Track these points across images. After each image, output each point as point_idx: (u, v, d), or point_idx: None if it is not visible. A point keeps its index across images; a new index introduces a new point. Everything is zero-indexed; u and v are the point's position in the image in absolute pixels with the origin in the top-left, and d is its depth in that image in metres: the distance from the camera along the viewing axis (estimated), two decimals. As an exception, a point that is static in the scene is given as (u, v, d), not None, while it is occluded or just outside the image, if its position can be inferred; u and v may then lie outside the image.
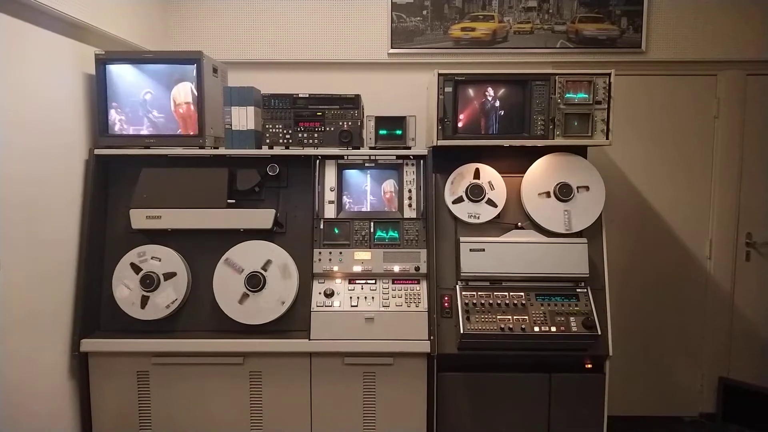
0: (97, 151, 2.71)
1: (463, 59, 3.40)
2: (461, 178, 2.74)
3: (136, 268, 2.65)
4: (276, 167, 2.74)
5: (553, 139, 2.67)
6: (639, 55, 3.40)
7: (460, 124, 2.69)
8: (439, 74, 2.66)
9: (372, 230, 2.70)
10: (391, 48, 3.41)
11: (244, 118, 2.78)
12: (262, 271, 2.65)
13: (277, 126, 2.77)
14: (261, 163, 2.75)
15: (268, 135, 2.77)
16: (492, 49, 3.41)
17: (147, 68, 2.72)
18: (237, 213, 2.70)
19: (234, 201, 2.71)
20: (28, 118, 2.34)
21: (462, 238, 2.66)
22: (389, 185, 2.77)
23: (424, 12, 3.39)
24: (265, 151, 2.77)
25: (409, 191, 2.74)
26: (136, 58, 2.73)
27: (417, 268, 2.65)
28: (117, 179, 2.80)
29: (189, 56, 2.72)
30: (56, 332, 2.52)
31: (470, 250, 2.64)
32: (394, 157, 2.77)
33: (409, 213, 2.72)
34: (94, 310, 2.69)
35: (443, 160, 2.74)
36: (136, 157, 2.75)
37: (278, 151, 2.77)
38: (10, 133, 2.23)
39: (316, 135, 2.76)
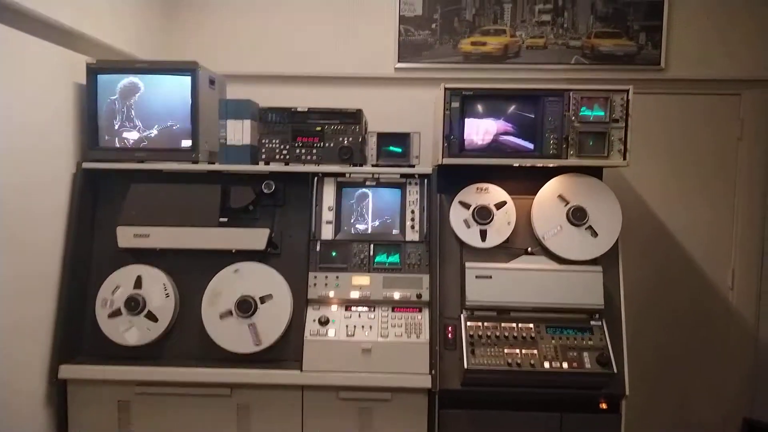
0: (85, 165, 2.57)
1: (473, 74, 3.25)
2: (468, 199, 2.57)
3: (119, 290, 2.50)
4: (272, 184, 2.59)
5: (567, 158, 2.50)
6: (658, 72, 3.23)
7: (466, 142, 2.53)
8: (446, 88, 2.51)
9: (372, 253, 2.53)
10: (398, 62, 3.27)
11: (239, 132, 2.64)
12: (254, 296, 2.48)
13: (274, 141, 2.62)
14: (256, 180, 2.60)
15: (264, 150, 2.62)
16: (503, 64, 3.26)
17: (141, 79, 2.60)
18: (229, 232, 2.54)
19: (227, 219, 2.56)
20: (14, 128, 2.21)
21: (468, 264, 2.48)
22: (391, 205, 2.61)
23: (433, 25, 3.26)
24: (261, 167, 2.62)
25: (412, 212, 2.57)
26: (129, 67, 2.61)
27: (419, 295, 2.47)
28: (106, 194, 2.66)
29: (184, 66, 2.59)
30: (34, 355, 2.36)
31: (476, 276, 2.46)
32: (398, 176, 2.61)
33: (412, 235, 2.55)
34: (76, 333, 2.53)
35: (449, 180, 2.58)
36: (125, 171, 2.61)
37: (275, 167, 2.62)
38: None
39: (314, 151, 2.61)
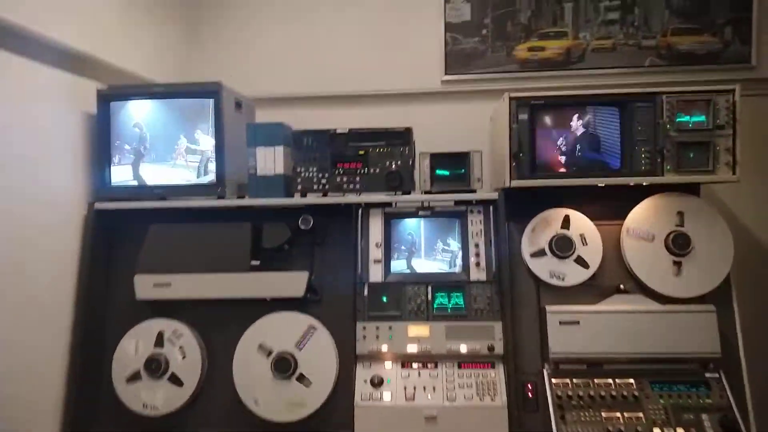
0: (97, 205, 2.25)
1: (531, 84, 2.85)
2: (543, 227, 2.15)
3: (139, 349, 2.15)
4: (309, 219, 2.22)
5: (663, 175, 2.06)
6: (748, 71, 2.77)
7: (538, 160, 2.12)
8: (511, 98, 2.12)
9: (430, 297, 2.12)
10: (446, 74, 2.89)
11: (271, 161, 2.28)
12: (293, 353, 2.10)
13: (310, 169, 2.26)
14: (291, 215, 2.23)
15: (300, 180, 2.26)
16: (566, 71, 2.85)
17: (158, 105, 2.28)
18: (262, 278, 2.18)
19: (259, 262, 2.20)
20: (15, 166, 1.92)
21: (549, 308, 2.05)
22: (450, 239, 2.20)
23: (484, 31, 2.88)
24: (296, 200, 2.26)
25: (476, 246, 2.16)
26: (144, 92, 2.29)
27: (491, 348, 2.04)
28: (121, 238, 2.33)
29: (205, 88, 2.26)
30: (40, 428, 2.02)
31: (560, 322, 2.02)
32: (456, 203, 2.21)
33: (477, 274, 2.13)
34: (90, 400, 2.18)
35: (518, 206, 2.17)
36: (143, 211, 2.27)
37: (312, 199, 2.25)
38: None
39: (358, 179, 2.24)
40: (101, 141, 2.27)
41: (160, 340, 2.18)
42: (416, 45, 2.91)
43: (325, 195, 2.27)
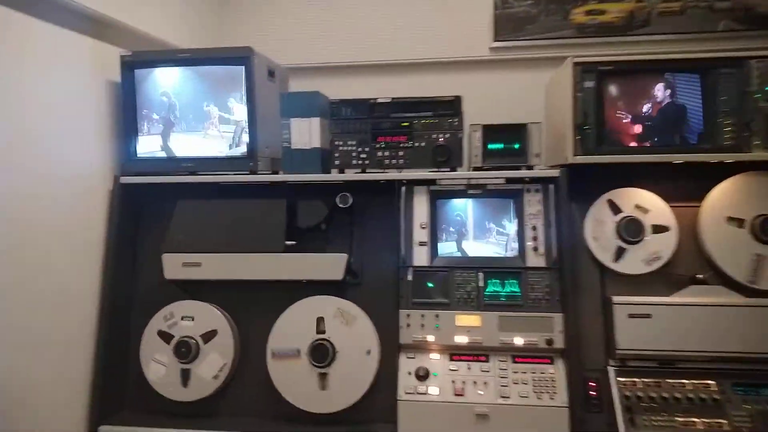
0: (123, 179, 2.11)
1: (590, 51, 2.59)
2: (610, 209, 1.93)
3: (165, 336, 2.01)
4: (348, 197, 2.04)
5: (750, 151, 1.81)
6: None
7: (606, 134, 1.89)
8: (576, 63, 1.89)
9: (482, 284, 1.93)
10: (495, 41, 2.65)
11: (306, 133, 2.10)
12: (332, 340, 1.94)
13: (349, 143, 2.07)
14: (329, 192, 2.05)
15: (337, 154, 2.07)
16: (629, 36, 2.58)
17: (185, 72, 2.11)
18: (298, 259, 2.01)
19: (294, 243, 2.03)
20: (36, 138, 1.78)
21: (615, 298, 1.84)
22: (504, 220, 2.00)
23: (538, -7, 2.63)
24: (334, 176, 2.08)
25: (534, 229, 1.95)
26: (170, 58, 2.12)
27: (549, 341, 1.84)
28: (149, 214, 2.19)
29: (235, 54, 2.08)
30: (68, 410, 1.91)
31: (629, 315, 1.81)
32: (510, 181, 2.00)
33: (535, 260, 1.93)
34: (118, 385, 2.07)
35: (579, 185, 1.94)
36: (170, 185, 2.12)
37: (351, 175, 2.07)
38: (15, 159, 1.70)
39: (401, 153, 2.04)
40: (126, 110, 2.12)
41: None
42: (462, 9, 2.67)
43: (364, 171, 2.08)
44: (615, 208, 1.93)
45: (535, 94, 2.44)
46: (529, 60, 2.63)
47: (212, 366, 2.00)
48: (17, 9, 1.70)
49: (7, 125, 1.68)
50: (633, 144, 1.90)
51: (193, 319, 2.02)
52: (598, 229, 1.93)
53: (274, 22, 2.79)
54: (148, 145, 2.14)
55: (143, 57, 2.12)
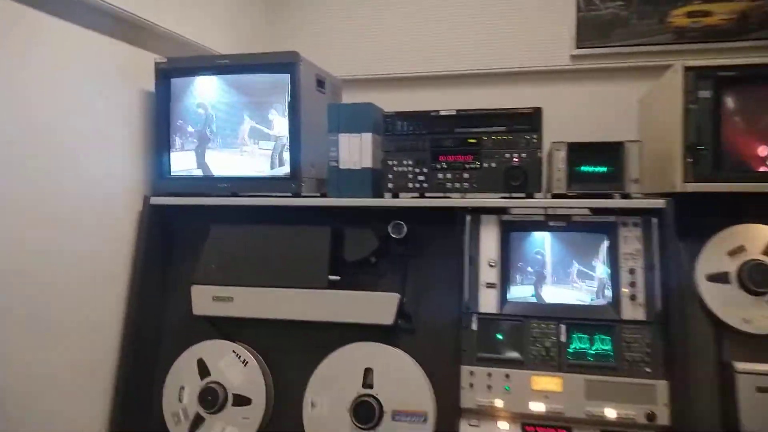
0: (153, 200, 1.90)
1: (693, 59, 2.20)
2: (729, 249, 1.54)
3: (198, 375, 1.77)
4: (402, 226, 1.74)
5: None
6: None
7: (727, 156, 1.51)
8: (688, 69, 1.53)
9: (564, 339, 1.57)
10: (577, 48, 2.30)
11: (357, 151, 1.81)
12: (378, 396, 1.63)
13: (405, 162, 1.77)
14: (380, 219, 1.76)
15: (391, 176, 1.78)
16: (742, 42, 2.17)
17: (225, 81, 1.89)
18: (342, 298, 1.72)
19: (338, 278, 1.74)
20: (58, 152, 1.60)
21: (739, 365, 1.44)
22: (593, 260, 1.64)
23: (629, -8, 2.27)
24: (386, 201, 1.78)
25: (631, 272, 1.57)
26: (209, 65, 1.89)
27: (650, 416, 1.45)
28: (180, 239, 1.97)
29: (280, 60, 1.83)
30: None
31: (757, 389, 1.41)
32: (602, 212, 1.63)
33: (633, 311, 1.55)
34: (137, 424, 1.83)
35: (689, 219, 1.56)
36: (206, 207, 1.89)
37: (406, 200, 1.76)
38: (33, 175, 1.51)
39: (466, 175, 1.72)
40: (160, 123, 1.91)
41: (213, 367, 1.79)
42: (538, 12, 2.34)
43: (422, 196, 1.77)
44: (736, 249, 1.54)
45: (623, 109, 2.13)
46: (617, 69, 2.27)
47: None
48: (41, 10, 1.52)
49: (26, 137, 1.49)
50: (763, 168, 1.50)
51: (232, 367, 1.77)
52: (715, 276, 1.53)
53: (327, 29, 2.55)
54: (181, 163, 1.93)
55: (179, 64, 1.90)
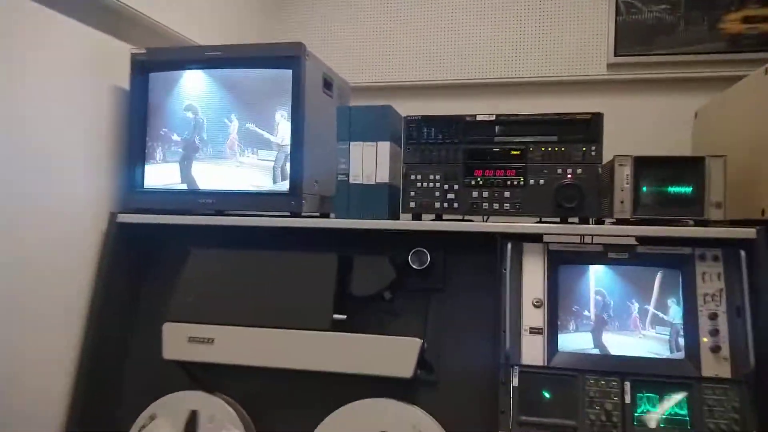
0: (121, 217, 1.57)
1: (747, 69, 1.94)
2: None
3: None
4: (426, 255, 1.43)
5: None
6: None
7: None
8: (783, 70, 1.24)
9: (628, 400, 1.25)
10: (616, 56, 2.04)
11: (371, 163, 1.50)
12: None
13: (431, 177, 1.46)
14: (398, 246, 1.45)
15: (413, 193, 1.47)
16: (805, 50, 1.93)
17: (213, 76, 1.58)
18: (349, 343, 1.38)
19: (345, 317, 1.41)
20: (12, 157, 1.28)
21: None
22: (664, 302, 1.32)
23: (675, -5, 2.02)
24: (407, 222, 1.47)
25: (713, 317, 1.26)
26: (195, 58, 1.58)
27: (748, 505, 1.14)
28: (153, 264, 1.64)
29: (282, 53, 1.53)
30: None
31: None
32: (675, 242, 1.33)
33: (716, 366, 1.24)
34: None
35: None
36: (185, 227, 1.56)
37: (431, 223, 1.45)
38: None
39: (507, 194, 1.41)
40: (134, 124, 1.60)
41: (192, 425, 1.44)
42: (573, 16, 2.09)
43: (451, 219, 1.46)
44: None
45: (668, 123, 1.88)
46: (662, 81, 2.02)
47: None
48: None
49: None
50: None
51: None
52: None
53: (333, 32, 2.27)
54: (162, 176, 1.60)
55: (161, 56, 1.60)
